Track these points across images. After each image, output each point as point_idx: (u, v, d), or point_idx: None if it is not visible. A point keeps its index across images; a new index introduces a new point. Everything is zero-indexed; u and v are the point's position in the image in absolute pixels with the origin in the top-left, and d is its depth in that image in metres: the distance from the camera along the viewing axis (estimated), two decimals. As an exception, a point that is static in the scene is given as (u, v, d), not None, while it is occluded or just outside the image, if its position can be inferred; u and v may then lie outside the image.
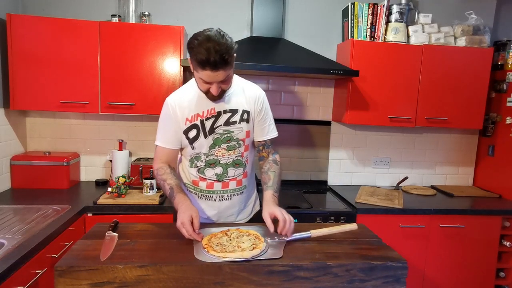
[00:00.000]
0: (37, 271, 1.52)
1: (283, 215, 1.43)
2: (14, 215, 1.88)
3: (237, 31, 2.67)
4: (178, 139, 1.60)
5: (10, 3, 2.36)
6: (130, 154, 2.69)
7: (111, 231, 1.43)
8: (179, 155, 1.72)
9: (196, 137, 1.58)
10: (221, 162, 1.61)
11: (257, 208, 1.83)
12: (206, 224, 1.57)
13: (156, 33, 2.30)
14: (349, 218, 2.28)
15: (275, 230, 1.43)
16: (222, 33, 1.38)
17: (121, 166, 2.52)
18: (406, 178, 2.89)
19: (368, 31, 2.61)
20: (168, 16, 2.61)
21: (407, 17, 2.62)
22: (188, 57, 1.45)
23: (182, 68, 2.33)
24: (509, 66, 2.66)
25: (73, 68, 2.26)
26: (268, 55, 2.44)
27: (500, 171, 2.75)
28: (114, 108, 2.33)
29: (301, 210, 2.30)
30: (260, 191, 1.70)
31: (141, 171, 2.47)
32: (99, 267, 1.16)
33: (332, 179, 2.95)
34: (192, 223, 1.37)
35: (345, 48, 2.60)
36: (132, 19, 2.46)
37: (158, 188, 2.33)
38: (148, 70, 2.32)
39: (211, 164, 1.61)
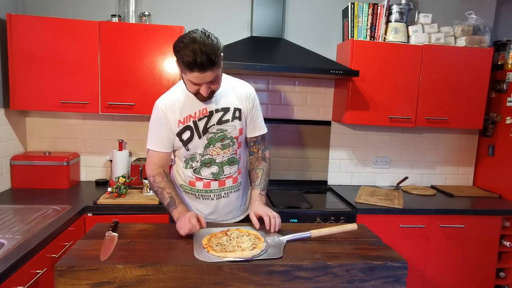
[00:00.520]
0: (37, 271, 1.52)
1: (266, 212, 1.48)
2: (14, 215, 1.88)
3: (237, 31, 2.67)
4: (170, 141, 1.60)
5: (10, 3, 2.36)
6: (130, 154, 2.69)
7: (111, 231, 1.43)
8: (172, 157, 1.72)
9: (190, 139, 1.58)
10: (216, 161, 1.62)
11: None
12: (207, 224, 1.58)
13: (156, 33, 2.30)
14: (349, 218, 2.28)
15: (267, 229, 1.47)
16: (207, 33, 1.37)
17: (121, 166, 2.52)
18: (406, 178, 2.89)
19: (368, 31, 2.61)
20: (168, 16, 2.61)
21: (407, 17, 2.62)
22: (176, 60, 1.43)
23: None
24: (509, 66, 2.66)
25: (73, 68, 2.26)
26: (268, 55, 2.44)
27: (500, 171, 2.75)
28: (114, 108, 2.33)
29: (301, 210, 2.30)
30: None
31: (141, 171, 2.47)
32: (99, 267, 1.16)
33: (332, 179, 2.95)
34: (199, 221, 1.42)
35: (345, 48, 2.60)
36: (132, 19, 2.45)
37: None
38: (148, 70, 2.32)
39: (207, 163, 1.61)
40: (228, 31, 2.66)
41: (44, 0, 2.50)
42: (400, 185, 2.90)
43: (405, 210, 2.36)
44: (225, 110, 1.59)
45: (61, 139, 2.63)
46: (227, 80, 1.64)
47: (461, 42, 2.64)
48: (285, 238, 1.41)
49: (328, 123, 2.87)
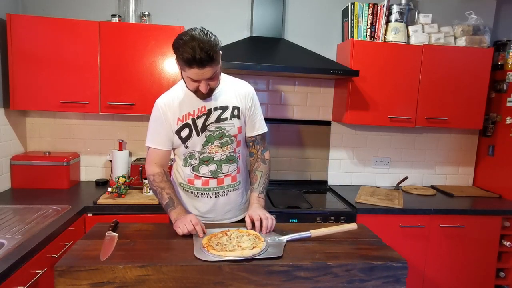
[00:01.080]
0: (37, 271, 1.52)
1: (258, 216, 1.50)
2: (14, 215, 1.88)
3: (237, 31, 2.67)
4: (169, 139, 1.62)
5: (10, 3, 2.36)
6: (130, 154, 2.69)
7: (111, 231, 1.43)
8: (172, 156, 1.73)
9: (189, 136, 1.60)
10: (214, 159, 1.63)
11: None
12: (206, 224, 1.58)
13: (156, 33, 2.30)
14: (349, 218, 2.28)
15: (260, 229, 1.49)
16: (205, 31, 1.40)
17: (121, 166, 2.52)
18: (406, 178, 2.89)
19: (368, 31, 2.61)
20: (168, 16, 2.61)
21: (407, 17, 2.62)
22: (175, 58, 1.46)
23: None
24: (509, 66, 2.66)
25: (73, 68, 2.26)
26: (268, 55, 2.44)
27: (500, 171, 2.75)
28: (114, 108, 2.33)
29: (301, 210, 2.30)
30: None
31: (141, 171, 2.47)
32: (99, 267, 1.16)
33: (332, 179, 2.95)
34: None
35: (345, 48, 2.60)
36: (132, 19, 2.46)
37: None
38: (148, 70, 2.32)
39: (205, 161, 1.63)
40: (228, 31, 2.65)
41: (44, 0, 2.50)
42: (400, 185, 2.90)
43: (405, 210, 2.35)
44: (224, 108, 1.61)
45: (61, 139, 2.63)
46: (226, 80, 1.66)
47: (461, 42, 2.64)
48: (285, 238, 1.41)
49: (328, 123, 2.87)
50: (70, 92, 2.28)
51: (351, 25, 2.61)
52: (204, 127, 1.60)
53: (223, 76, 1.65)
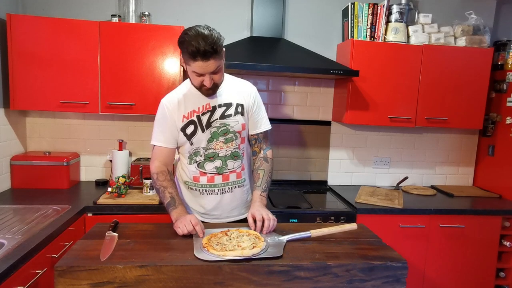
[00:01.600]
0: (37, 271, 1.52)
1: (261, 215, 1.49)
2: (14, 215, 1.88)
3: (237, 31, 2.67)
4: (174, 138, 1.65)
5: (10, 3, 2.36)
6: (130, 154, 2.68)
7: (111, 231, 1.43)
8: (177, 156, 1.73)
9: (194, 133, 1.62)
10: (219, 155, 1.65)
11: None
12: (206, 224, 1.59)
13: (156, 33, 2.30)
14: (349, 218, 2.28)
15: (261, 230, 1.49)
16: (210, 28, 1.45)
17: (121, 166, 2.51)
18: (406, 178, 2.89)
19: (368, 31, 2.61)
20: (168, 16, 2.61)
21: (407, 17, 2.62)
22: (180, 54, 1.51)
23: (182, 68, 2.33)
24: (509, 66, 2.66)
25: (73, 68, 2.26)
26: (268, 55, 2.44)
27: (500, 171, 2.75)
28: (114, 108, 2.33)
29: (301, 210, 2.30)
30: None
31: (141, 171, 2.47)
32: (99, 267, 1.16)
33: (332, 179, 2.95)
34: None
35: (345, 48, 2.60)
36: (132, 19, 2.45)
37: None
38: (148, 70, 2.32)
39: (210, 157, 1.64)
40: (228, 31, 2.64)
41: (44, 0, 2.50)
42: (400, 185, 2.90)
43: (405, 210, 2.35)
44: (228, 105, 1.64)
45: (61, 139, 2.63)
46: (229, 79, 1.71)
47: (461, 42, 2.64)
48: (285, 238, 1.41)
49: (328, 123, 2.87)
50: (70, 92, 2.28)
51: (351, 25, 2.61)
52: (209, 124, 1.62)
53: (226, 76, 1.68)
